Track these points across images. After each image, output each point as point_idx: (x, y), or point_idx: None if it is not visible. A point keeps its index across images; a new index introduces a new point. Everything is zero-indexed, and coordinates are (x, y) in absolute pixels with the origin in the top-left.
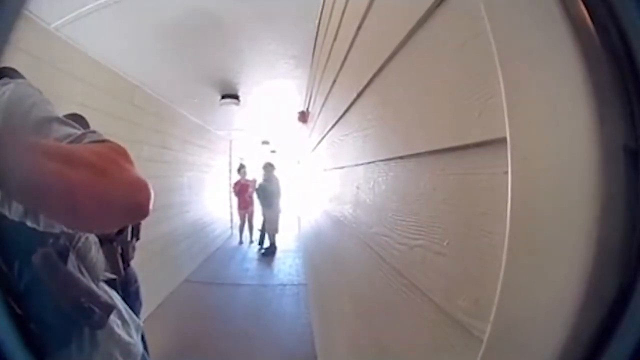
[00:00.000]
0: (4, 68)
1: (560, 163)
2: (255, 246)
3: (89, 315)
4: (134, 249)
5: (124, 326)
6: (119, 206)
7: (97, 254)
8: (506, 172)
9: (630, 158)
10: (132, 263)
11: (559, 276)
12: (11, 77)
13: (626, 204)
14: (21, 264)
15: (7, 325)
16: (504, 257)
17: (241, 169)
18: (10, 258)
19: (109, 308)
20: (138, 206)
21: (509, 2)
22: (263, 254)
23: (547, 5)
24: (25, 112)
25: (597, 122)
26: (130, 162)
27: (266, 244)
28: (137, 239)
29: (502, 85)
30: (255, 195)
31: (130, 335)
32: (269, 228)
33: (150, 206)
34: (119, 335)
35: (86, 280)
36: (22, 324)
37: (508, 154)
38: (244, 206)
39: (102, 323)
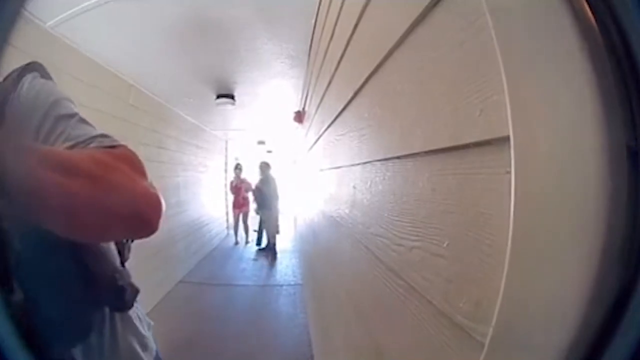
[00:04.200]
0: (34, 63)
1: (564, 162)
2: (252, 246)
3: (121, 294)
4: (129, 249)
5: (139, 320)
6: (120, 220)
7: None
8: (508, 172)
9: (632, 158)
10: (127, 264)
11: (562, 277)
12: (42, 75)
13: (628, 204)
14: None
15: (7, 325)
16: (507, 258)
17: (237, 168)
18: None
19: (137, 289)
20: (142, 221)
21: None
22: (265, 255)
23: (551, 1)
24: (50, 105)
25: (601, 120)
26: (139, 171)
27: (263, 243)
28: (132, 240)
29: (504, 82)
30: (251, 198)
31: (145, 330)
32: (269, 229)
33: (160, 221)
34: (137, 327)
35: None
36: (23, 324)
37: (511, 153)
38: (238, 206)
39: (131, 303)
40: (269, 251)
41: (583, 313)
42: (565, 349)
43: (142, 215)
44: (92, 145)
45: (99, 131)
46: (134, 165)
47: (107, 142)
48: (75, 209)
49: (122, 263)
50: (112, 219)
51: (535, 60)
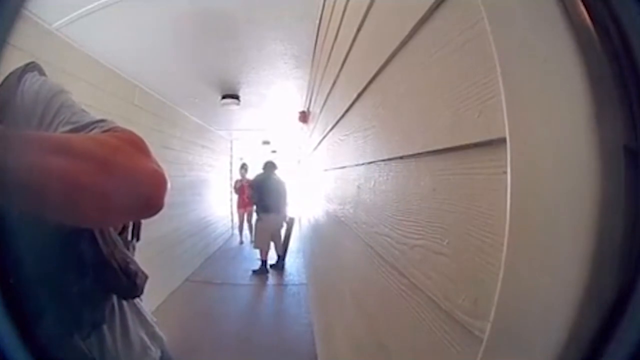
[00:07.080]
0: (33, 63)
1: (559, 163)
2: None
3: (133, 278)
4: (134, 249)
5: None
6: (125, 201)
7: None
8: (505, 172)
9: (630, 158)
10: None
11: (559, 275)
12: (40, 73)
13: (626, 203)
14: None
15: (7, 324)
16: (504, 256)
17: (242, 168)
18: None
19: (146, 275)
20: (147, 200)
21: (509, 2)
22: (265, 270)
23: (547, 5)
24: (52, 96)
25: (596, 122)
26: (143, 151)
27: (274, 260)
28: (138, 239)
29: (501, 85)
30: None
31: (152, 320)
32: (257, 241)
33: (164, 199)
34: (145, 317)
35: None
36: (24, 324)
37: (507, 154)
38: (243, 205)
39: (142, 289)
40: (278, 265)
41: (579, 311)
42: (561, 345)
43: (146, 197)
44: (94, 130)
45: (100, 117)
46: (138, 145)
47: (108, 126)
48: (78, 191)
49: None
50: (114, 199)
51: (532, 64)
